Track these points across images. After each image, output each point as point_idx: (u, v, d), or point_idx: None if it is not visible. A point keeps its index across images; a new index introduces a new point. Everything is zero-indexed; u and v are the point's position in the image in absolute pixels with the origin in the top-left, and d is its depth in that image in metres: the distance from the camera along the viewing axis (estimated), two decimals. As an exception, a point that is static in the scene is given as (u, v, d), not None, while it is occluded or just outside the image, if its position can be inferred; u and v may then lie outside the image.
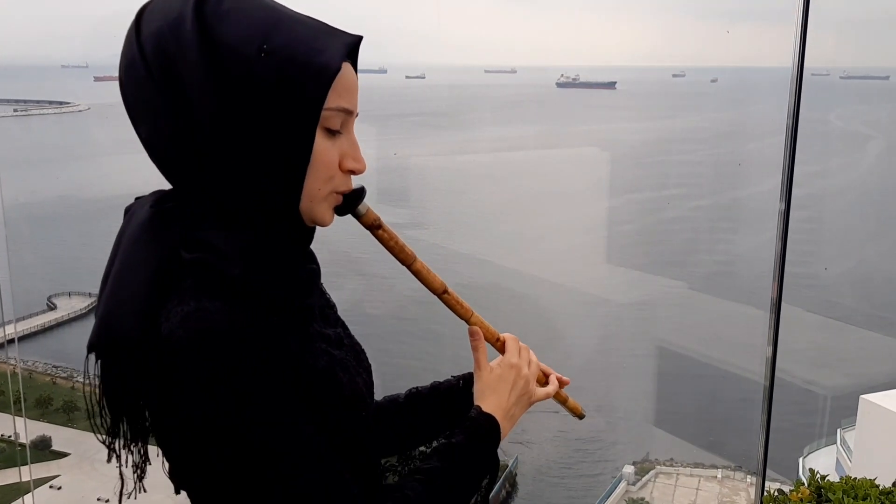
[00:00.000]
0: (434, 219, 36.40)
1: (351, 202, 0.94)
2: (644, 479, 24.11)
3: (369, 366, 1.05)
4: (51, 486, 20.98)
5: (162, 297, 0.82)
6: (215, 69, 0.81)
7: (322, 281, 1.02)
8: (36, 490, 19.66)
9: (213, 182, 0.86)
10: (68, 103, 58.94)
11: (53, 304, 29.86)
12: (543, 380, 1.18)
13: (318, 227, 0.96)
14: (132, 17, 0.88)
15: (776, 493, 1.77)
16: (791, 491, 1.73)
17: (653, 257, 34.57)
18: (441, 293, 1.07)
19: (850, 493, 1.64)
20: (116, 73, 0.88)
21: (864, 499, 1.63)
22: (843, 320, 26.83)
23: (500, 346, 1.13)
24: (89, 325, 0.88)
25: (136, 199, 0.94)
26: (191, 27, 0.82)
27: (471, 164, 47.37)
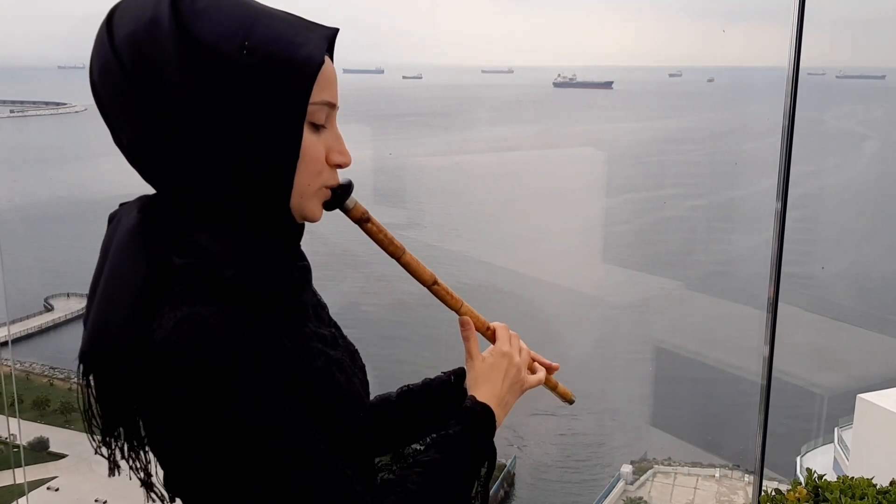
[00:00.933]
0: (431, 219, 36.39)
1: (340, 197, 0.94)
2: (642, 478, 24.14)
3: (363, 365, 1.04)
4: (48, 488, 20.95)
5: (154, 303, 0.81)
6: (196, 68, 0.80)
7: (314, 282, 1.01)
8: (33, 491, 19.64)
9: (201, 183, 0.84)
10: (65, 104, 58.84)
11: (50, 305, 29.82)
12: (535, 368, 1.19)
13: (307, 224, 0.95)
14: None
15: (773, 493, 1.77)
16: (788, 490, 1.73)
17: (649, 257, 34.61)
18: (431, 284, 1.07)
19: (847, 492, 1.64)
20: None
21: (862, 498, 1.63)
22: (840, 319, 26.89)
23: (491, 335, 1.13)
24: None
25: (121, 205, 0.93)
26: (168, 27, 0.80)
27: (468, 164, 47.40)
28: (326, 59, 0.87)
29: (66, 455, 22.21)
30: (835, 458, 13.29)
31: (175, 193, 0.87)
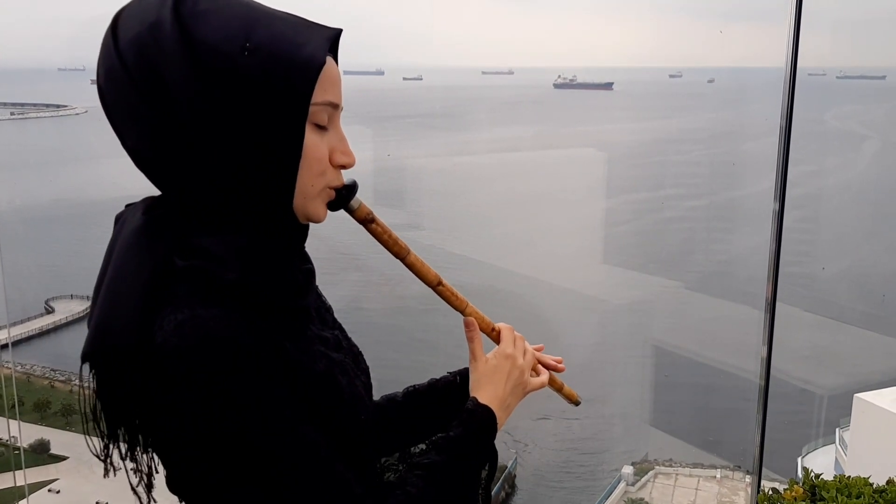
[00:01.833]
0: (431, 220, 36.35)
1: (344, 197, 0.94)
2: (643, 479, 24.10)
3: (367, 368, 1.05)
4: (49, 490, 20.93)
5: (156, 305, 0.81)
6: (199, 69, 0.80)
7: (317, 282, 1.02)
8: (34, 494, 19.62)
9: (205, 185, 0.85)
10: (65, 106, 58.79)
11: (51, 307, 29.81)
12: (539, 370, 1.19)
13: (311, 226, 0.96)
14: None
15: (770, 492, 1.78)
16: (785, 490, 1.73)
17: (649, 257, 34.59)
18: (436, 285, 1.07)
19: (843, 491, 1.64)
20: None
21: (858, 497, 1.63)
22: (841, 319, 26.87)
23: (496, 337, 1.13)
24: (87, 328, 0.87)
25: (127, 206, 0.93)
26: (170, 29, 0.81)
27: (468, 165, 47.36)
28: (329, 59, 0.88)
29: (67, 457, 22.19)
30: (836, 458, 13.26)
31: (180, 194, 0.88)
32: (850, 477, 1.73)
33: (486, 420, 1.02)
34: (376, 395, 1.13)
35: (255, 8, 0.86)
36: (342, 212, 0.96)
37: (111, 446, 0.89)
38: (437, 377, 1.22)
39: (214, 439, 0.80)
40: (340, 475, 0.84)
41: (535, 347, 1.20)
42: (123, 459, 0.90)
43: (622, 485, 23.67)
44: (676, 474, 24.50)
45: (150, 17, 0.82)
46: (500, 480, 21.96)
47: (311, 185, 0.89)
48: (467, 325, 1.10)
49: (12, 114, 53.98)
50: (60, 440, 22.47)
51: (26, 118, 55.46)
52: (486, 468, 1.01)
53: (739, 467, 23.65)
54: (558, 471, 25.13)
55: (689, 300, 30.99)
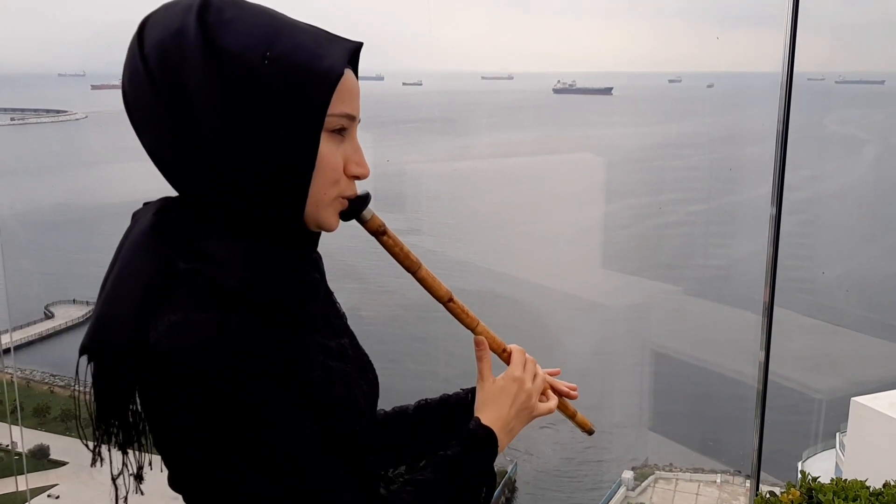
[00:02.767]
0: (430, 225, 36.37)
1: (356, 207, 0.95)
2: (643, 484, 24.08)
3: (375, 377, 1.04)
4: (49, 495, 20.90)
5: (155, 305, 0.82)
6: (219, 77, 0.82)
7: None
8: (34, 499, 19.58)
9: (220, 189, 0.86)
10: (65, 112, 58.93)
11: (51, 312, 29.80)
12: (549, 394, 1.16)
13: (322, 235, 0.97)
14: (129, 26, 0.89)
15: (767, 495, 1.78)
16: (782, 493, 1.73)
17: (649, 262, 34.60)
18: (447, 301, 1.05)
19: (840, 494, 1.64)
20: (113, 82, 0.89)
21: (855, 500, 1.63)
22: (839, 324, 26.87)
23: (507, 358, 1.11)
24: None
25: (145, 203, 0.94)
26: (194, 37, 0.82)
27: (468, 170, 47.42)
28: (348, 71, 0.89)
29: (67, 462, 22.16)
30: (836, 462, 13.25)
31: (195, 197, 0.89)
32: (846, 480, 1.74)
33: (486, 441, 1.02)
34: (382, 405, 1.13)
35: (279, 19, 0.88)
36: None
37: (101, 438, 0.89)
38: (450, 392, 1.21)
39: (205, 440, 0.80)
40: (328, 481, 0.84)
41: (551, 372, 1.19)
42: (122, 454, 0.91)
43: (622, 489, 23.65)
44: (677, 479, 24.48)
45: (175, 24, 0.84)
46: (500, 485, 21.93)
47: (323, 193, 0.90)
48: (477, 344, 1.09)
49: (12, 119, 54.06)
50: (60, 445, 22.43)
51: (26, 124, 55.54)
52: (484, 491, 1.00)
53: (739, 472, 23.62)
54: (558, 474, 25.09)
55: (688, 304, 31.00)
